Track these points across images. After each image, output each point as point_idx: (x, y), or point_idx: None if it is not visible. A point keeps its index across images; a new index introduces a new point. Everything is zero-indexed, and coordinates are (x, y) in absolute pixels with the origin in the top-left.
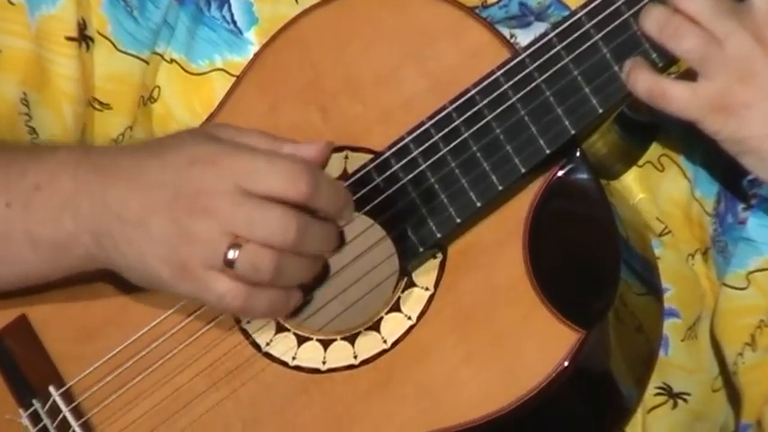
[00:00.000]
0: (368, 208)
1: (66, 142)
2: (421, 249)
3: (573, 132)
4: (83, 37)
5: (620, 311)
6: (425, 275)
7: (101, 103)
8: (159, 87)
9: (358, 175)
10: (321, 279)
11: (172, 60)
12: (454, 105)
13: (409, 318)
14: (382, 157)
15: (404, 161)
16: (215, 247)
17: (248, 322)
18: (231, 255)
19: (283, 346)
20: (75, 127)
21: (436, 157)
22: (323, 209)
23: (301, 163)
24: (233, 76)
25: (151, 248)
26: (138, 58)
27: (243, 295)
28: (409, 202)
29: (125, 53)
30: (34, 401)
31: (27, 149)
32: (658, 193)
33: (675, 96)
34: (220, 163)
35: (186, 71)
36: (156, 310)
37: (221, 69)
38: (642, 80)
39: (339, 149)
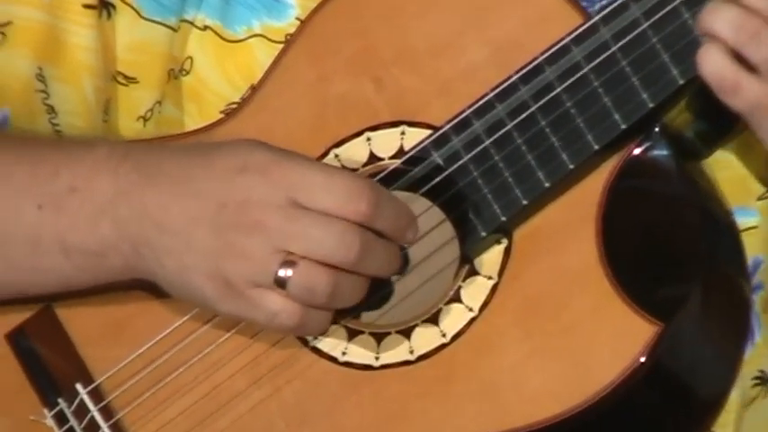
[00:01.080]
0: (426, 188)
1: (91, 124)
2: (483, 234)
3: (651, 106)
4: (103, 4)
5: (704, 300)
6: (488, 263)
7: (126, 77)
8: (191, 58)
9: (415, 152)
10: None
11: (205, 27)
12: (520, 76)
13: (470, 309)
14: (441, 131)
15: (465, 137)
16: (264, 265)
17: None
18: (282, 273)
19: (332, 339)
20: (96, 104)
21: (501, 132)
22: (384, 231)
23: (362, 180)
24: (273, 42)
25: (193, 262)
26: (164, 25)
27: (297, 314)
28: (471, 181)
29: (150, 21)
30: (60, 400)
31: (57, 145)
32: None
33: (747, 94)
34: (273, 173)
35: (222, 38)
36: (170, 312)
37: (260, 35)
38: (714, 63)
39: (395, 124)
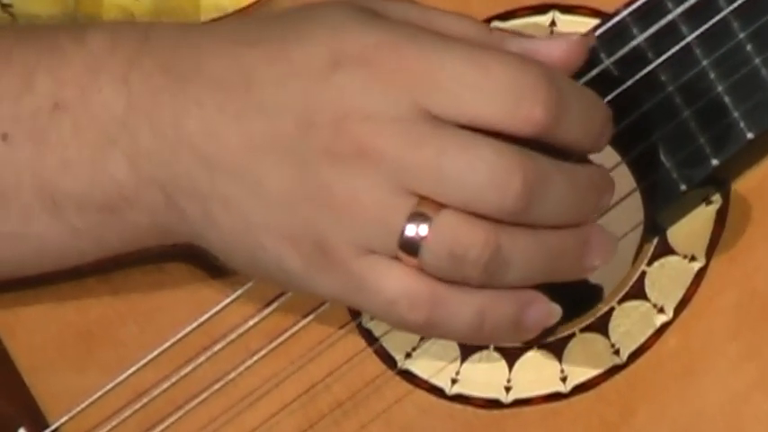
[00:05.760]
0: None
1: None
2: (683, 187)
3: None
4: None
5: None
6: (690, 235)
7: None
8: None
9: None
10: None
11: None
12: None
13: (661, 310)
14: (617, 19)
15: (654, 31)
16: (382, 218)
17: (372, 319)
18: (412, 231)
19: (435, 359)
20: None
21: (712, 22)
22: (571, 143)
23: (537, 68)
24: None
25: (263, 217)
26: None
27: (430, 300)
28: (663, 98)
29: None
30: None
31: (25, 35)
32: None
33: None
34: (389, 63)
35: None
36: (188, 310)
37: None
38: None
39: (541, 9)
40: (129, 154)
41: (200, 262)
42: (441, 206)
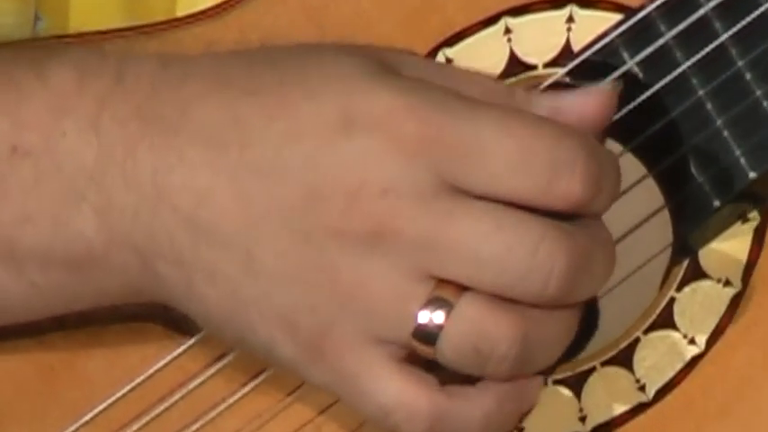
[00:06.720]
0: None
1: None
2: (717, 203)
3: None
4: None
5: None
6: (724, 257)
7: None
8: None
9: (593, 52)
10: None
11: None
12: None
13: (692, 341)
14: (640, 15)
15: (684, 27)
16: (396, 305)
17: None
18: (426, 319)
19: None
20: None
21: (751, 17)
22: (599, 213)
23: (573, 139)
24: None
25: (256, 294)
26: None
27: (430, 415)
28: (693, 107)
29: None
30: None
31: None
32: None
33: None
34: (410, 129)
35: None
36: (161, 341)
37: None
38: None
39: (558, 3)
40: (100, 210)
41: (175, 325)
42: (463, 290)
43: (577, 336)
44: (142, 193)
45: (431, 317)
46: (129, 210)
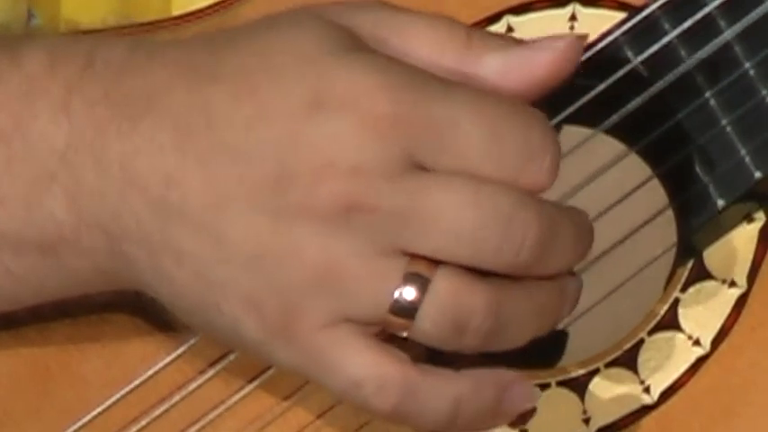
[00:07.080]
0: (614, 119)
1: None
2: (721, 203)
3: None
4: None
5: None
6: (729, 258)
7: None
8: None
9: (596, 50)
10: None
11: None
12: None
13: (697, 342)
14: (645, 12)
15: (689, 25)
16: (370, 282)
17: None
18: (404, 294)
19: None
20: None
21: (756, 15)
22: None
23: (543, 125)
24: None
25: (224, 275)
26: None
27: (402, 387)
28: (698, 106)
29: None
30: None
31: None
32: None
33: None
34: (381, 108)
35: None
36: (159, 341)
37: None
38: None
39: (561, 1)
40: (70, 191)
41: (148, 315)
42: (436, 264)
43: (546, 350)
44: (110, 175)
45: (408, 292)
46: (97, 191)
